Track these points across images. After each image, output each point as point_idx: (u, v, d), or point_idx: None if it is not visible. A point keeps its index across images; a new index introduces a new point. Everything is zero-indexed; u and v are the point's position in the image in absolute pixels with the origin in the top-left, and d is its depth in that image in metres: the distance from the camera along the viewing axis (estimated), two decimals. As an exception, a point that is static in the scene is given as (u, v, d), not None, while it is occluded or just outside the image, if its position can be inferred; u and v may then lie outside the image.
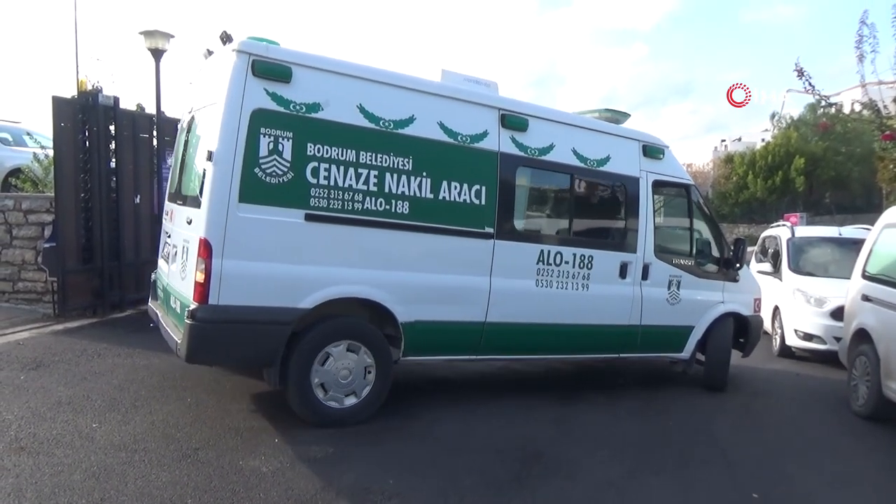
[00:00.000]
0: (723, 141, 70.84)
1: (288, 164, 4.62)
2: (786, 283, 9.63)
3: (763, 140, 51.55)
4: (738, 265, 7.14)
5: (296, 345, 4.76)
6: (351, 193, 4.85)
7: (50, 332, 7.37)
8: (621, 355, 6.64)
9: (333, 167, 4.78)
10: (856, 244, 10.38)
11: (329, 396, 4.91)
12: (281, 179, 4.60)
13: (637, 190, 6.46)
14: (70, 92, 8.19)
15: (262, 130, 4.51)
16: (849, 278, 8.94)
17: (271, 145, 4.55)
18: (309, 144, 4.69)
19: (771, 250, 11.08)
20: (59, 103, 7.74)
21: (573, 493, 4.09)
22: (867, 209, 40.13)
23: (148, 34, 8.47)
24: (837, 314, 8.53)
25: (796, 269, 9.78)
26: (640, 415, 5.99)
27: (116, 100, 8.40)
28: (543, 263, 5.81)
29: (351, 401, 5.00)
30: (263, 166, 4.54)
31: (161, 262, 5.91)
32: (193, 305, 4.47)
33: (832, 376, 7.81)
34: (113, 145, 8.45)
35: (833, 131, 34.59)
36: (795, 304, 9.17)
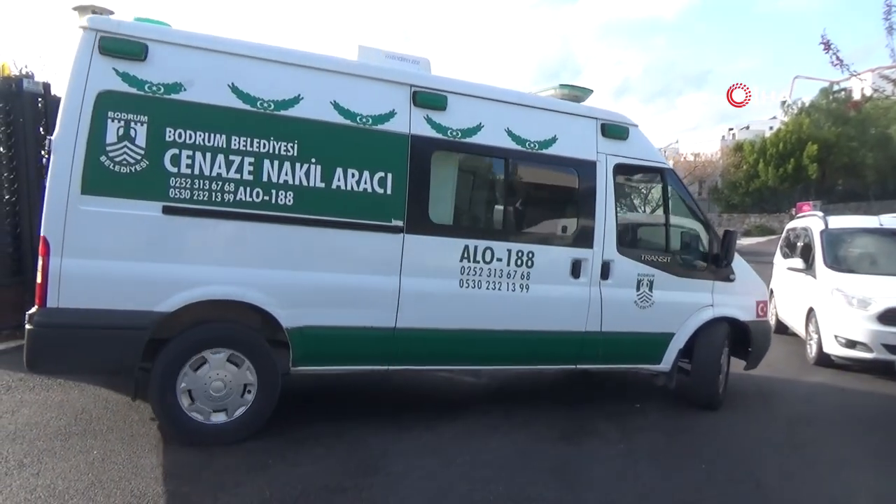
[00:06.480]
0: (730, 129, 69.32)
1: (142, 152, 4.15)
2: (821, 281, 8.43)
3: (771, 128, 50.12)
4: (724, 262, 6.00)
5: (160, 352, 4.33)
6: (220, 183, 4.32)
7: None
8: (578, 367, 5.70)
9: (198, 154, 4.27)
10: (897, 235, 9.26)
11: (193, 407, 4.38)
12: (133, 168, 4.12)
13: (593, 176, 5.53)
14: (-10, 78, 7.06)
15: (110, 114, 4.08)
16: (896, 275, 7.85)
17: (121, 131, 4.10)
18: (168, 129, 4.21)
19: (800, 244, 9.87)
20: (-28, 91, 6.63)
21: None
22: (882, 196, 38.88)
23: (82, 10, 7.32)
24: (886, 317, 7.40)
25: (834, 265, 8.57)
26: (663, 456, 4.84)
27: (47, 86, 7.29)
28: (469, 261, 5.03)
29: (220, 418, 4.45)
30: (111, 154, 4.08)
31: None
32: (33, 309, 4.09)
33: (885, 392, 6.64)
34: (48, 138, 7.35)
35: (862, 109, 33.48)
36: (834, 306, 7.97)
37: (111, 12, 7.82)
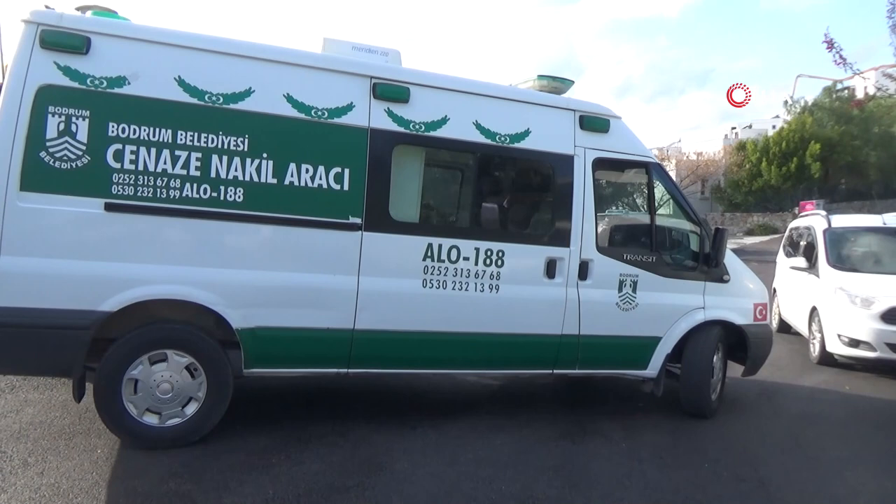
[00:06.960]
0: (733, 128, 69.21)
1: (83, 147, 4.06)
2: (824, 280, 8.42)
3: (774, 127, 50.06)
4: (714, 261, 5.65)
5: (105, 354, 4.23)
6: (165, 179, 4.21)
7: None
8: (555, 371, 5.44)
9: (143, 149, 4.17)
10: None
11: (139, 409, 4.31)
12: (74, 164, 4.05)
13: (570, 170, 5.25)
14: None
15: (51, 109, 4.00)
16: (900, 274, 7.84)
17: (62, 126, 4.02)
18: (111, 124, 4.11)
19: (803, 243, 9.86)
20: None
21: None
22: (886, 195, 38.76)
23: (85, 10, 7.33)
24: (889, 316, 7.40)
25: (837, 263, 8.56)
26: (666, 456, 4.83)
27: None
28: (433, 260, 4.83)
29: (170, 421, 4.37)
30: (51, 150, 4.00)
31: None
32: None
33: (888, 391, 6.64)
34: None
35: (865, 108, 33.44)
36: (838, 305, 7.97)
37: (114, 12, 7.87)
